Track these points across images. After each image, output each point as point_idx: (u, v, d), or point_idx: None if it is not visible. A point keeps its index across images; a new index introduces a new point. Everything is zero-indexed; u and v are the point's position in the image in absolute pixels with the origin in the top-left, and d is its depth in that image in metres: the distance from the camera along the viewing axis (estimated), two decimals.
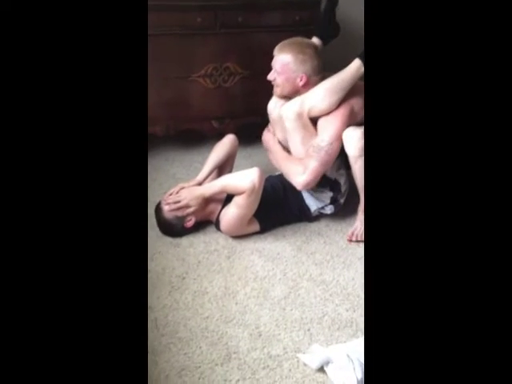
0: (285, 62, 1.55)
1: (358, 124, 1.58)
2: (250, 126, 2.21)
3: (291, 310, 1.32)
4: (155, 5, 1.86)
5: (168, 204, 1.58)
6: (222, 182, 1.58)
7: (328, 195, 1.67)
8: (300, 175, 1.56)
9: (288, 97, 1.62)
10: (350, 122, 1.56)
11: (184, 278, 1.44)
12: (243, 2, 2.04)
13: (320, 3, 2.06)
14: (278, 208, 1.65)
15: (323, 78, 1.57)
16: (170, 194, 1.63)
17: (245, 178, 1.49)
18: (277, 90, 1.64)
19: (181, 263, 1.50)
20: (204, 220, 1.66)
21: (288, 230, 1.69)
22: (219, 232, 1.64)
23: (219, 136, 2.19)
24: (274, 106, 1.68)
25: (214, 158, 1.76)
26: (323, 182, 1.63)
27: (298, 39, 1.61)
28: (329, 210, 1.69)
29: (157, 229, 1.65)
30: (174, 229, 1.61)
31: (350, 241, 1.64)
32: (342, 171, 1.67)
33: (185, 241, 1.61)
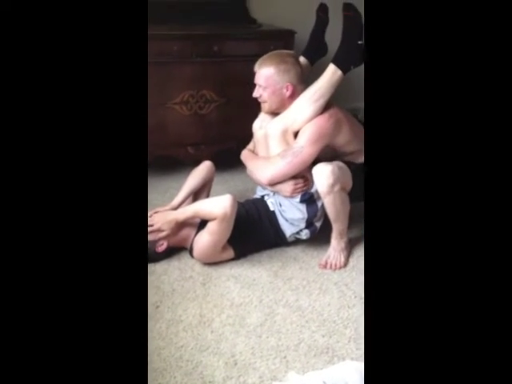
0: (268, 75, 1.55)
1: (340, 143, 1.58)
2: (226, 152, 2.23)
3: (267, 337, 1.31)
4: None
5: None
6: (195, 207, 1.58)
7: (303, 216, 1.61)
8: (264, 171, 1.56)
9: (276, 112, 1.61)
10: (333, 131, 1.54)
11: (158, 307, 1.41)
12: (219, 31, 2.10)
13: (293, 34, 2.13)
14: (253, 234, 1.64)
15: (305, 87, 1.58)
16: None
17: (217, 205, 1.48)
18: (265, 106, 1.63)
19: (155, 291, 1.47)
20: (178, 246, 1.64)
21: (264, 256, 1.69)
22: (194, 259, 1.63)
23: (195, 162, 2.20)
24: (260, 126, 1.67)
25: (189, 184, 1.77)
26: (303, 197, 1.59)
27: (276, 51, 1.63)
28: (304, 235, 1.66)
29: None
30: None
31: (324, 268, 1.64)
32: None
33: (159, 268, 1.59)
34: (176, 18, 2.19)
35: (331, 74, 1.52)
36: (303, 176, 1.59)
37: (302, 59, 1.75)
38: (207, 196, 1.82)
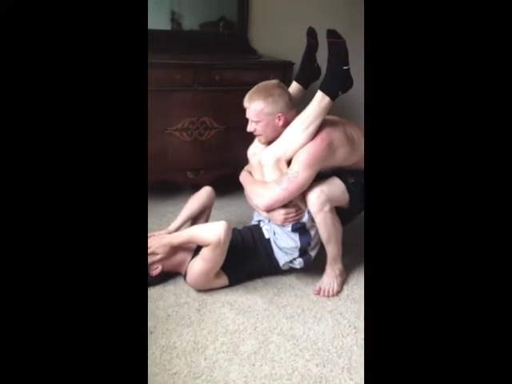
0: (258, 110, 1.57)
1: (337, 162, 1.59)
2: (224, 178, 2.26)
3: (261, 365, 1.30)
4: None
5: None
6: (190, 232, 1.58)
7: (296, 244, 1.61)
8: (262, 197, 1.57)
9: (272, 141, 1.63)
10: (327, 154, 1.55)
11: (152, 333, 1.40)
12: (220, 61, 2.16)
13: (292, 65, 2.20)
14: (247, 261, 1.64)
15: (298, 111, 1.59)
16: None
17: (211, 231, 1.49)
18: (261, 139, 1.65)
19: (150, 317, 1.47)
20: (173, 271, 1.65)
21: (259, 282, 1.69)
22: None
23: (193, 187, 2.23)
24: (254, 153, 1.69)
25: (188, 209, 1.78)
26: (295, 227, 1.60)
27: (261, 84, 1.63)
28: (298, 264, 1.65)
29: None
30: None
31: (318, 294, 1.65)
32: (315, 223, 1.65)
33: (154, 293, 1.59)
34: (179, 48, 2.26)
35: (319, 101, 1.53)
36: (296, 205, 1.60)
37: (294, 84, 1.77)
38: (206, 221, 1.84)
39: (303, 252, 1.65)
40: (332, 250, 1.67)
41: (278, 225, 1.61)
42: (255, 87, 1.62)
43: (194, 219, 1.81)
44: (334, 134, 1.58)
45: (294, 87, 1.77)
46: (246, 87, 2.08)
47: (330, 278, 1.68)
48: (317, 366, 1.31)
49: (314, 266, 1.77)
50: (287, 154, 1.56)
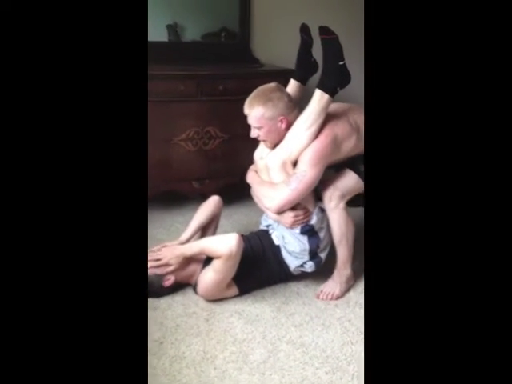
0: (259, 116, 1.56)
1: (344, 154, 1.57)
2: (229, 187, 2.27)
3: (270, 374, 1.30)
4: None
5: (148, 261, 1.59)
6: (202, 244, 1.59)
7: (305, 247, 1.61)
8: (272, 200, 1.56)
9: (277, 144, 1.62)
10: (332, 150, 1.55)
11: (162, 343, 1.41)
12: (223, 72, 2.18)
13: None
14: (257, 270, 1.65)
15: (300, 110, 1.58)
16: (152, 252, 1.63)
17: (223, 243, 1.49)
18: (266, 144, 1.65)
19: (158, 327, 1.48)
20: (183, 282, 1.66)
21: (267, 291, 1.69)
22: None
23: (199, 196, 2.24)
24: (260, 156, 1.69)
25: (198, 219, 1.79)
26: (304, 229, 1.59)
27: (260, 89, 1.62)
28: (309, 267, 1.65)
29: None
30: (151, 288, 1.60)
31: (318, 297, 1.66)
32: (324, 225, 1.66)
33: (163, 303, 1.60)
34: (182, 59, 2.29)
35: (318, 99, 1.52)
36: (304, 207, 1.60)
37: (292, 82, 1.76)
38: (215, 230, 1.85)
39: (313, 255, 1.64)
40: (343, 253, 1.67)
41: (287, 227, 1.61)
42: (253, 93, 1.62)
43: (204, 229, 1.81)
44: (338, 128, 1.56)
45: (293, 85, 1.75)
46: (249, 96, 2.11)
47: (334, 282, 1.68)
48: (326, 373, 1.31)
49: (322, 273, 1.77)
50: (292, 156, 1.56)
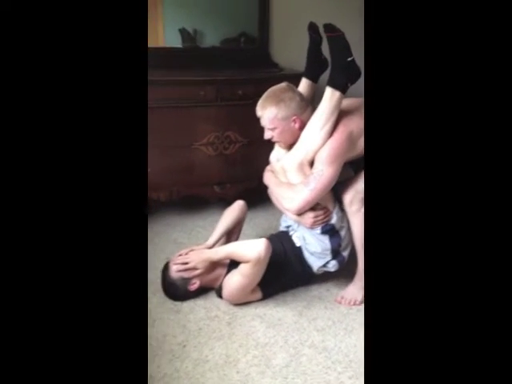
0: (272, 117, 1.56)
1: (361, 149, 1.54)
2: (250, 191, 2.28)
3: (293, 378, 1.30)
4: (162, 80, 2.01)
5: (176, 264, 1.61)
6: (230, 248, 1.59)
7: (327, 247, 1.60)
8: (292, 201, 1.55)
9: (292, 144, 1.61)
10: (348, 146, 1.53)
11: (185, 346, 1.42)
12: (243, 77, 2.19)
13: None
14: (280, 273, 1.64)
15: (313, 108, 1.57)
16: (180, 255, 1.65)
17: (252, 248, 1.49)
18: (281, 145, 1.65)
19: (181, 330, 1.50)
20: (208, 286, 1.67)
21: (289, 295, 1.69)
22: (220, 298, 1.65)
23: (220, 201, 2.26)
24: (277, 158, 1.69)
25: (223, 223, 1.80)
26: (324, 229, 1.59)
27: (271, 90, 1.61)
28: (332, 266, 1.63)
29: (158, 295, 1.66)
30: (177, 291, 1.62)
31: (340, 303, 1.65)
32: (344, 224, 1.64)
33: (185, 307, 1.61)
34: (203, 65, 2.31)
35: (330, 97, 1.50)
36: (324, 207, 1.59)
37: (303, 81, 1.74)
38: (238, 234, 1.86)
39: (336, 254, 1.62)
40: (363, 258, 1.65)
41: (307, 228, 1.60)
42: (265, 94, 1.61)
43: (229, 233, 1.83)
44: (352, 124, 1.54)
45: (304, 83, 1.74)
46: None
47: (355, 288, 1.67)
48: (349, 378, 1.30)
49: (344, 276, 1.77)
50: (308, 157, 1.55)
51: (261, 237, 1.61)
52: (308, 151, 1.54)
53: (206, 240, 2.04)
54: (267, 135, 1.62)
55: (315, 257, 1.63)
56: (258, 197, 2.33)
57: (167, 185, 2.13)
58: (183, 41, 2.40)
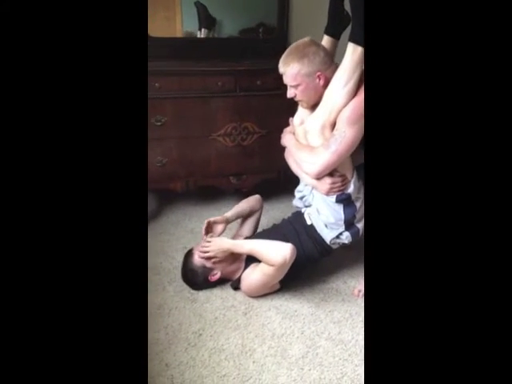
0: (295, 73, 1.50)
1: None
2: (267, 182, 2.27)
3: (309, 369, 1.29)
4: (179, 70, 2.01)
5: (198, 251, 1.62)
6: (254, 246, 1.55)
7: (340, 217, 1.57)
8: (312, 165, 1.50)
9: (317, 104, 1.54)
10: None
11: (201, 335, 1.43)
12: (261, 67, 2.17)
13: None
14: (296, 260, 1.58)
15: (336, 66, 1.49)
16: (203, 241, 1.66)
17: (277, 253, 1.47)
18: (303, 104, 1.59)
19: (198, 319, 1.50)
20: (226, 278, 1.66)
21: (305, 287, 1.68)
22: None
23: (237, 192, 2.26)
24: (300, 121, 1.62)
25: (239, 206, 1.86)
26: (340, 198, 1.55)
27: (293, 46, 1.55)
28: (345, 238, 1.59)
29: (175, 284, 1.66)
30: (196, 278, 1.63)
31: (357, 296, 1.63)
32: (361, 195, 1.60)
33: (202, 296, 1.62)
34: (221, 55, 2.30)
35: (352, 53, 1.42)
36: (342, 175, 1.54)
37: (325, 38, 1.67)
38: (255, 226, 1.87)
39: (349, 225, 1.59)
40: None
41: (323, 194, 1.55)
42: (287, 50, 1.54)
43: (243, 219, 1.87)
44: None
45: (326, 40, 1.68)
46: (287, 91, 2.10)
47: None
48: None
49: (358, 270, 1.75)
50: (332, 117, 1.47)
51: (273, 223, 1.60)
52: (331, 111, 1.47)
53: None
54: (290, 93, 1.55)
55: (328, 228, 1.60)
56: (276, 189, 2.32)
57: (184, 175, 2.13)
58: (199, 20, 2.36)
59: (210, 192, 2.33)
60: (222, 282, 1.67)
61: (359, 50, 1.41)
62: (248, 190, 2.26)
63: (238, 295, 1.62)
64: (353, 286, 1.69)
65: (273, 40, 2.48)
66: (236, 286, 1.64)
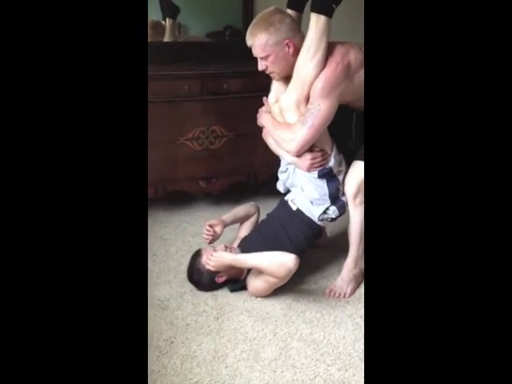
0: (263, 44, 1.46)
1: (358, 87, 1.45)
2: (237, 185, 2.27)
3: (282, 371, 1.29)
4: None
5: (200, 261, 1.63)
6: (256, 261, 1.54)
7: (324, 191, 1.58)
8: (291, 142, 1.49)
9: (289, 76, 1.52)
10: (344, 78, 1.44)
11: (172, 342, 1.40)
12: (227, 70, 2.17)
13: None
14: (289, 248, 1.59)
15: (303, 35, 1.47)
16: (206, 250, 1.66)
17: (281, 266, 1.47)
18: (275, 76, 1.55)
19: (169, 326, 1.48)
20: (232, 278, 1.65)
21: (277, 289, 1.67)
22: (208, 292, 1.64)
23: (207, 196, 2.24)
24: (275, 99, 1.60)
25: (236, 209, 1.86)
26: (321, 172, 1.56)
27: (258, 17, 1.51)
28: (332, 212, 1.60)
29: None
30: (203, 279, 1.63)
31: (329, 296, 1.64)
32: (342, 168, 1.62)
33: (173, 303, 1.59)
34: (187, 58, 2.28)
35: (315, 23, 1.40)
36: (321, 149, 1.55)
37: (289, 12, 1.59)
38: (253, 229, 1.84)
39: (334, 199, 1.60)
40: (355, 252, 1.65)
41: (304, 171, 1.56)
42: (253, 21, 1.51)
43: (241, 222, 1.88)
44: (351, 55, 1.45)
45: (290, 14, 1.63)
46: (254, 94, 2.11)
47: (343, 281, 1.66)
48: (339, 370, 1.30)
49: (332, 271, 1.77)
50: (305, 91, 1.46)
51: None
52: (303, 85, 1.46)
53: (193, 236, 2.04)
54: (261, 66, 1.52)
55: (314, 205, 1.61)
56: (246, 191, 2.32)
57: (152, 181, 2.09)
58: (162, 9, 2.33)
59: (180, 197, 2.30)
60: (190, 285, 1.66)
61: (322, 18, 1.40)
62: (218, 193, 2.25)
63: (210, 300, 1.61)
64: (324, 286, 1.70)
65: (239, 43, 2.48)
66: (238, 288, 1.64)
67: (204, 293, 1.64)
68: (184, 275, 1.72)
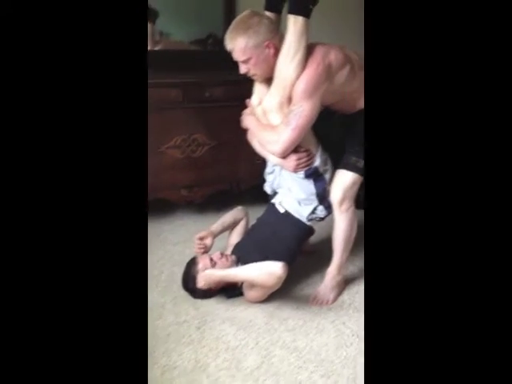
0: (243, 47, 1.46)
1: (339, 87, 1.49)
2: (219, 193, 2.26)
3: (265, 380, 1.28)
4: None
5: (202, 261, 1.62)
6: (245, 275, 1.54)
7: (311, 191, 1.60)
8: (276, 144, 1.49)
9: (271, 78, 1.51)
10: (325, 78, 1.44)
11: (153, 352, 1.38)
12: (209, 78, 2.17)
13: None
14: (283, 250, 1.61)
15: (283, 36, 1.47)
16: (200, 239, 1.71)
17: (270, 276, 1.47)
18: (258, 79, 1.56)
19: (150, 337, 1.44)
20: (229, 287, 1.64)
21: None
22: (190, 301, 1.61)
23: (188, 204, 2.23)
24: (259, 101, 1.60)
25: (224, 217, 1.85)
26: (308, 172, 1.56)
27: (236, 21, 1.51)
28: (320, 212, 1.63)
29: None
30: (197, 286, 1.61)
31: (311, 303, 1.64)
32: (328, 167, 1.62)
33: (154, 312, 1.57)
34: (169, 67, 2.27)
35: (293, 24, 1.41)
36: (307, 149, 1.55)
37: (267, 14, 1.57)
38: (243, 233, 1.83)
39: (322, 198, 1.61)
40: (338, 259, 1.65)
41: (291, 172, 1.56)
42: (231, 25, 1.50)
43: (231, 229, 1.87)
44: (331, 55, 1.46)
45: (270, 16, 1.61)
46: (236, 102, 2.11)
47: (327, 288, 1.66)
48: (321, 377, 1.29)
49: (314, 278, 1.77)
50: (287, 93, 1.46)
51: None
52: (285, 87, 1.46)
53: (174, 245, 2.02)
54: (242, 69, 1.52)
55: (302, 205, 1.62)
56: (228, 200, 2.31)
57: None
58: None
59: (161, 205, 2.28)
60: (175, 294, 1.64)
61: (300, 19, 1.41)
62: (200, 202, 2.24)
63: (191, 310, 1.59)
64: (308, 293, 1.70)
65: (221, 51, 2.49)
66: (235, 295, 1.63)
67: (185, 302, 1.62)
68: (165, 284, 1.70)
